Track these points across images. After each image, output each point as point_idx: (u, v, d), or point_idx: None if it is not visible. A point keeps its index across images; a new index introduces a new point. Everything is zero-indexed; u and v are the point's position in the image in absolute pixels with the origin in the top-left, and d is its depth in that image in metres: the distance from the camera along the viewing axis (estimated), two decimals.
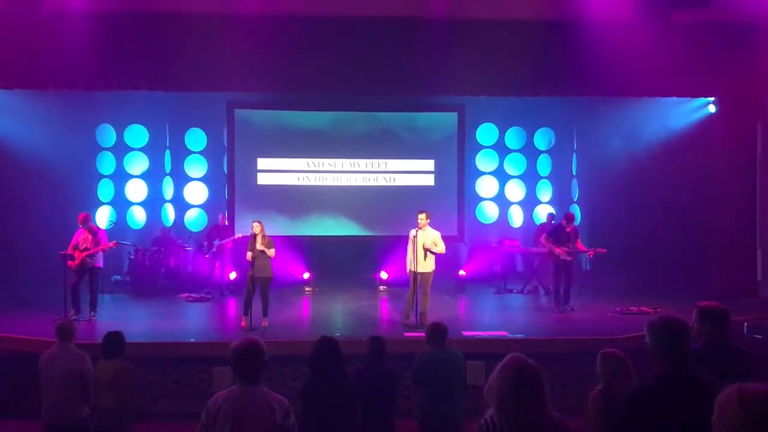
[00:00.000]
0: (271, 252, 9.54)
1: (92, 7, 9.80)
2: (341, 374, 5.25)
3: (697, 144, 11.84)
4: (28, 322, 9.27)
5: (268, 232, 9.79)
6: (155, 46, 10.33)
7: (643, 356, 3.40)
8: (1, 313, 9.85)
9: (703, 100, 11.87)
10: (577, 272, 11.67)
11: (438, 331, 6.14)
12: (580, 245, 10.94)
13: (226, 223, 13.28)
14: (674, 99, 11.82)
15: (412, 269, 9.46)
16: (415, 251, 9.40)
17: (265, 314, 9.54)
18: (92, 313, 10.01)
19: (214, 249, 12.55)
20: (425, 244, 9.36)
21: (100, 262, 10.17)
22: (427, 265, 9.44)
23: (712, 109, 11.83)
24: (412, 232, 9.48)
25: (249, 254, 9.57)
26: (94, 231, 10.10)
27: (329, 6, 10.30)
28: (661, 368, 3.23)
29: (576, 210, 14.00)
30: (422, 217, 9.42)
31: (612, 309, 10.56)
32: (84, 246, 9.91)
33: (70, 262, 9.84)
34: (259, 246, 9.45)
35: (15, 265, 11.55)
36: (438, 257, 9.58)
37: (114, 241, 10.48)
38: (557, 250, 10.63)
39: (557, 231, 10.91)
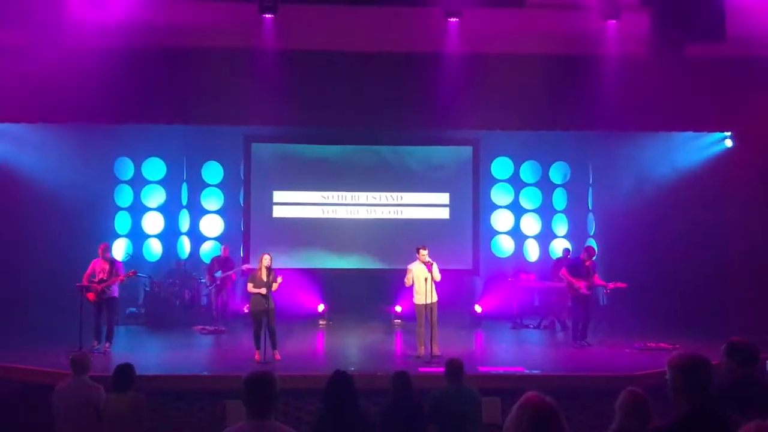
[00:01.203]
0: (275, 285, 9.56)
1: (112, 42, 9.97)
2: (354, 408, 5.21)
3: (714, 178, 11.77)
4: (43, 354, 9.28)
5: (283, 265, 9.80)
6: (173, 81, 10.47)
7: (663, 393, 3.33)
8: (16, 345, 9.88)
9: (719, 134, 11.83)
10: (594, 307, 11.55)
11: (454, 367, 6.10)
12: (599, 279, 10.86)
13: (230, 256, 13.24)
14: (690, 133, 11.79)
15: (427, 302, 9.59)
16: (426, 285, 9.56)
17: (274, 347, 9.49)
18: (107, 345, 10.04)
19: (218, 282, 12.46)
20: (434, 276, 9.65)
21: (115, 292, 10.24)
22: (435, 296, 9.79)
23: (728, 143, 11.79)
24: (422, 268, 9.66)
25: (251, 285, 9.58)
26: (111, 262, 10.20)
27: (345, 42, 10.41)
28: (682, 406, 3.16)
29: (593, 244, 13.88)
30: (426, 253, 9.71)
31: (630, 345, 10.42)
32: (100, 277, 10.00)
33: (88, 294, 9.92)
34: (266, 278, 9.45)
35: (31, 296, 11.61)
36: (450, 289, 10.22)
37: (133, 270, 10.64)
38: (577, 284, 10.53)
39: (576, 265, 10.82)
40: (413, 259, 9.84)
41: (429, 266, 9.58)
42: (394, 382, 5.86)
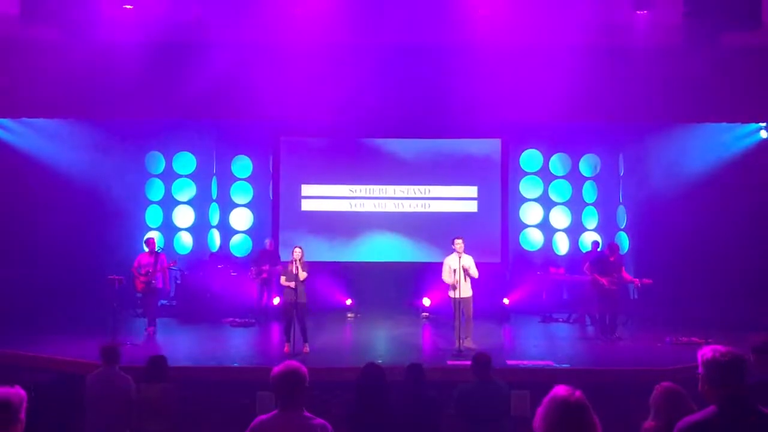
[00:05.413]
0: (304, 275, 9.60)
1: (143, 38, 10.09)
2: (386, 401, 5.23)
3: (748, 171, 11.55)
4: (76, 345, 9.45)
5: (311, 258, 9.84)
6: (203, 76, 10.54)
7: (695, 388, 3.27)
8: (50, 337, 10.08)
9: (754, 125, 11.60)
10: (625, 301, 11.40)
11: (482, 361, 6.08)
12: (626, 275, 10.75)
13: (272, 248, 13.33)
14: (724, 124, 11.57)
15: (459, 296, 9.54)
16: (457, 277, 9.48)
17: (305, 340, 9.56)
18: (152, 329, 10.81)
19: (265, 275, 12.38)
20: (468, 269, 9.56)
21: (159, 282, 11.03)
22: (469, 290, 9.69)
23: (763, 134, 11.56)
24: (453, 260, 9.54)
25: (283, 279, 9.64)
26: (155, 254, 10.93)
27: (373, 34, 10.40)
28: (714, 401, 3.11)
29: (623, 237, 13.72)
30: (461, 242, 9.61)
31: (661, 339, 10.30)
32: (146, 269, 10.75)
33: (137, 284, 10.74)
34: (298, 272, 9.50)
35: (65, 289, 11.84)
36: (478, 283, 9.87)
37: (174, 261, 11.54)
38: (601, 280, 10.46)
39: (601, 260, 10.73)
40: (444, 252, 9.80)
41: (466, 269, 9.57)
42: (406, 376, 5.88)
